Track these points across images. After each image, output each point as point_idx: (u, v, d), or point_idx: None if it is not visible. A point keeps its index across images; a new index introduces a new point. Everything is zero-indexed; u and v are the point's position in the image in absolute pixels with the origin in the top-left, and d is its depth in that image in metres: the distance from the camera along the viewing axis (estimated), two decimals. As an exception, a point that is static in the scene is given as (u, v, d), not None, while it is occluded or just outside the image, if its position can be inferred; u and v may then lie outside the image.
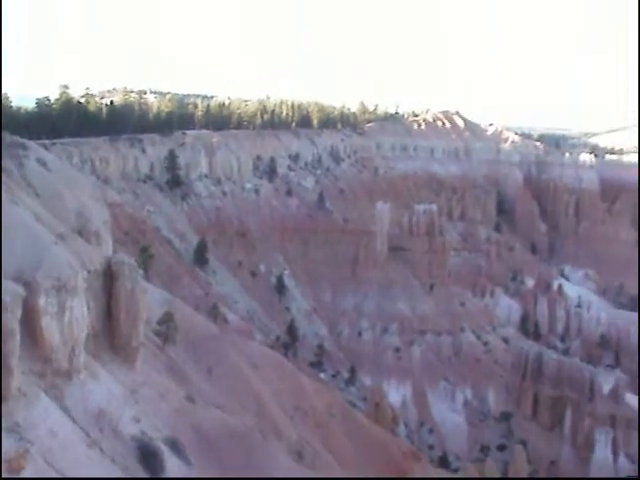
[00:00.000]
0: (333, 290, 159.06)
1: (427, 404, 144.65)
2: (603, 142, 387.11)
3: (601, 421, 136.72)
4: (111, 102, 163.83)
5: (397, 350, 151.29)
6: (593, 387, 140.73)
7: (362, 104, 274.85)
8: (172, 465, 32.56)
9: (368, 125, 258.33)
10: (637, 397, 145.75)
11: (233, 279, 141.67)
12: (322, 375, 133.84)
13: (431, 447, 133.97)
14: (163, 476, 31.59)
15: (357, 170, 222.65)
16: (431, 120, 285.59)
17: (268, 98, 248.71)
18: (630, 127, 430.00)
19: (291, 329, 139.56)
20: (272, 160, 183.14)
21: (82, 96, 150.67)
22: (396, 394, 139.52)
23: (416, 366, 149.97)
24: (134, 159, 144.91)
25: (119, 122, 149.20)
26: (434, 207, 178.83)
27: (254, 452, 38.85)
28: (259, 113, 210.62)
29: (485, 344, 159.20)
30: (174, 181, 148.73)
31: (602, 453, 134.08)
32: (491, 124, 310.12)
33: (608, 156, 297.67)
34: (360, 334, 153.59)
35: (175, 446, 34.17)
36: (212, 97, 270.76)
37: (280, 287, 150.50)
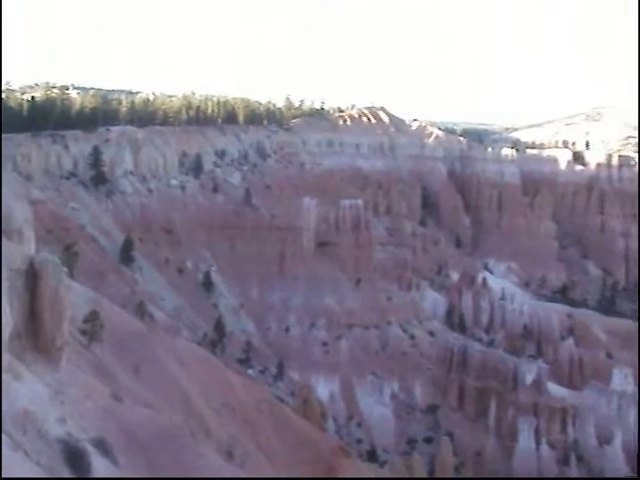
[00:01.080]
0: (260, 286, 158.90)
1: (355, 398, 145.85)
2: (524, 137, 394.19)
3: (524, 410, 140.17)
4: (32, 97, 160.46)
5: (325, 345, 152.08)
6: (516, 377, 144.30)
7: (288, 100, 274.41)
8: (99, 466, 32.14)
9: (294, 121, 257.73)
10: (558, 386, 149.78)
11: (160, 276, 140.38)
12: (250, 371, 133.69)
13: (359, 441, 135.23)
14: (90, 476, 31.22)
15: (283, 166, 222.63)
16: (356, 116, 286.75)
17: (193, 94, 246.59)
18: (548, 122, 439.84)
19: (218, 326, 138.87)
20: (198, 156, 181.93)
21: (2, 91, 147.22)
22: (324, 389, 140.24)
23: (344, 360, 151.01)
24: (57, 156, 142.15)
25: (41, 118, 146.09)
26: (360, 202, 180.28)
27: (183, 451, 38.68)
28: (184, 109, 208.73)
29: (412, 337, 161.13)
30: (98, 178, 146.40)
31: (525, 442, 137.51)
32: (415, 119, 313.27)
33: (529, 150, 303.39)
34: (288, 329, 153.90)
35: (102, 446, 33.72)
36: (137, 93, 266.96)
37: (207, 284, 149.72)
